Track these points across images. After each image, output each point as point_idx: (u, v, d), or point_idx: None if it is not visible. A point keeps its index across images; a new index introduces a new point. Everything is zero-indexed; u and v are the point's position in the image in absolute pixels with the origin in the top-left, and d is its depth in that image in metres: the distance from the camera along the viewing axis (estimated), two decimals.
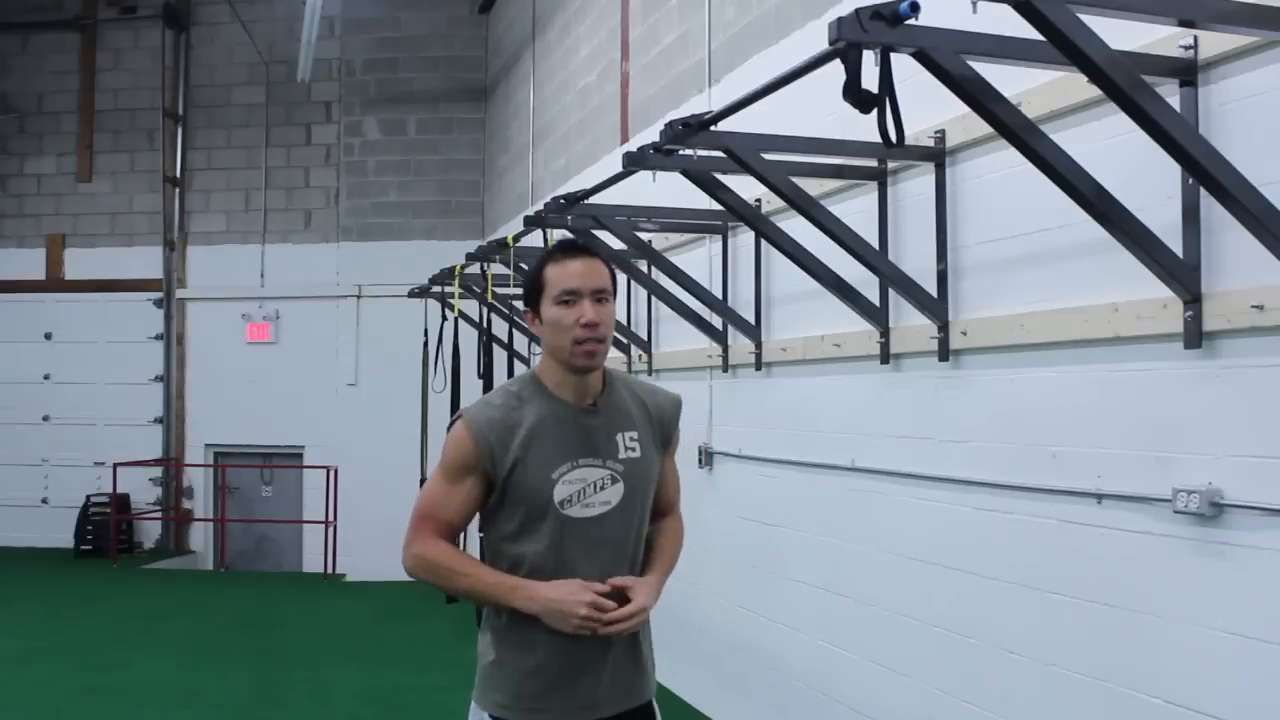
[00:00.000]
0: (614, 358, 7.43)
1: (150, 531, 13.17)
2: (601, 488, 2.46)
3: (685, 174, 4.17)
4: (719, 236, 5.86)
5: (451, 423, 2.50)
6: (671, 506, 2.71)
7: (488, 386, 7.32)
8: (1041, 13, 2.30)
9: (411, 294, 9.28)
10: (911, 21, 2.39)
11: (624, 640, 2.47)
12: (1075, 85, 3.09)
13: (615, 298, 2.51)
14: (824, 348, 4.80)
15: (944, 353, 3.97)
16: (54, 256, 13.47)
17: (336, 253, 12.93)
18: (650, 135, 4.31)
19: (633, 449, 2.51)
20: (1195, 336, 2.91)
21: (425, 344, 9.09)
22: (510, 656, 2.46)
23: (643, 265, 6.35)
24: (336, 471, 12.05)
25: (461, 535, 2.59)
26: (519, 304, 8.72)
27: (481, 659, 2.53)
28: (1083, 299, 3.33)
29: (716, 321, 5.80)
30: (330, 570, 11.72)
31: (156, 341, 13.15)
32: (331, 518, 11.90)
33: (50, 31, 13.57)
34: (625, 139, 7.58)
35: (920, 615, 4.13)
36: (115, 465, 12.26)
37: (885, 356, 4.34)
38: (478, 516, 2.55)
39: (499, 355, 7.72)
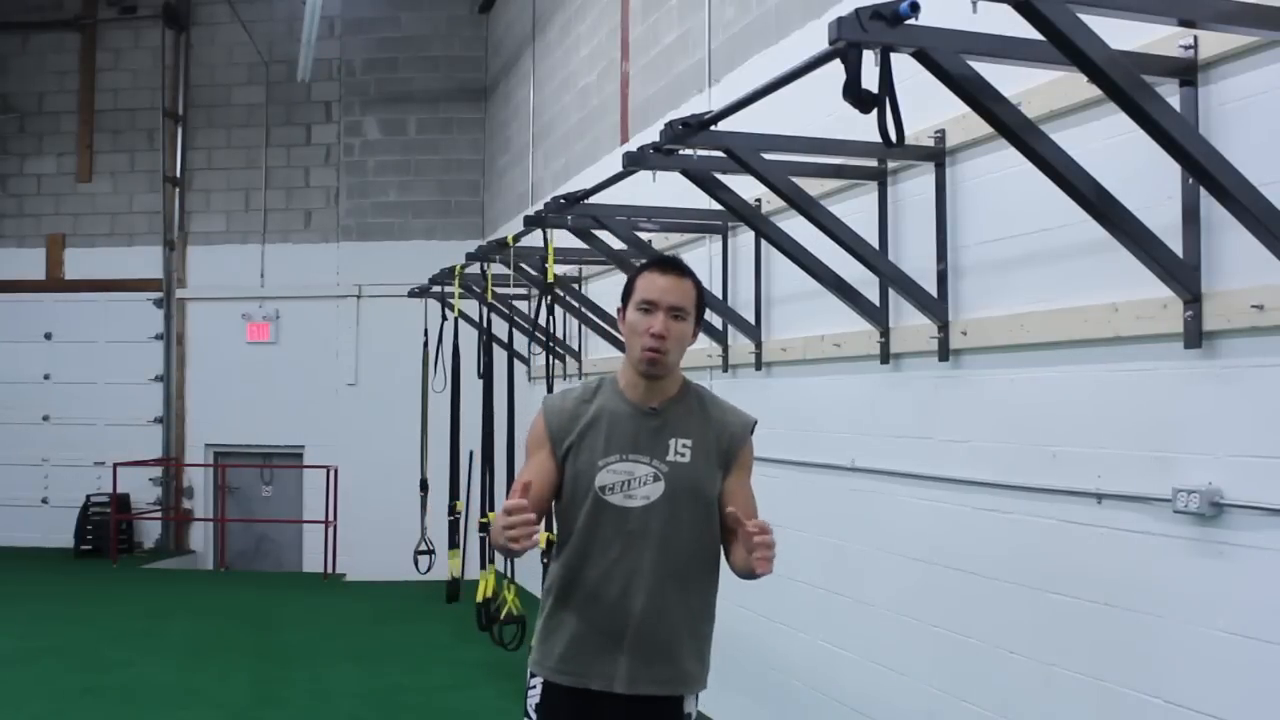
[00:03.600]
0: (616, 357, 7.43)
1: (150, 531, 13.18)
2: (644, 483, 2.67)
3: (685, 174, 4.17)
4: (719, 236, 5.86)
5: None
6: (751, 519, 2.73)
7: (488, 386, 7.32)
8: (1041, 13, 2.31)
9: (411, 294, 9.28)
10: (911, 21, 2.39)
11: (653, 627, 2.66)
12: (1075, 85, 3.09)
13: (698, 319, 2.76)
14: (824, 347, 4.80)
15: (944, 353, 3.97)
16: (54, 256, 13.47)
17: (336, 253, 12.93)
18: (650, 135, 4.31)
19: (682, 455, 2.70)
20: (1195, 336, 2.91)
21: (425, 344, 9.09)
22: (552, 625, 2.75)
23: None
24: (336, 471, 12.05)
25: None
26: (519, 304, 8.76)
27: (538, 622, 2.83)
28: (1083, 299, 3.33)
29: (716, 321, 5.80)
30: (330, 570, 11.72)
31: (156, 341, 13.15)
32: (331, 518, 11.90)
33: (50, 31, 13.57)
34: (625, 139, 7.58)
35: (920, 615, 4.13)
36: (115, 465, 12.26)
37: (885, 356, 4.34)
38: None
39: (499, 355, 7.72)
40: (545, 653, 2.75)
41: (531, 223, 5.52)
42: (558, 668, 2.72)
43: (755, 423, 2.85)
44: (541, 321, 5.66)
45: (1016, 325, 3.60)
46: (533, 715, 2.79)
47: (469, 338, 8.24)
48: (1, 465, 13.01)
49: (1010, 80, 3.05)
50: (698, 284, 2.75)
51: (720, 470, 2.75)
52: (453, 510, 8.34)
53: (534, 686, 2.78)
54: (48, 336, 13.29)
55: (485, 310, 7.62)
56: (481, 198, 12.84)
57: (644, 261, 2.82)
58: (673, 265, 2.75)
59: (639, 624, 2.66)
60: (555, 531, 2.81)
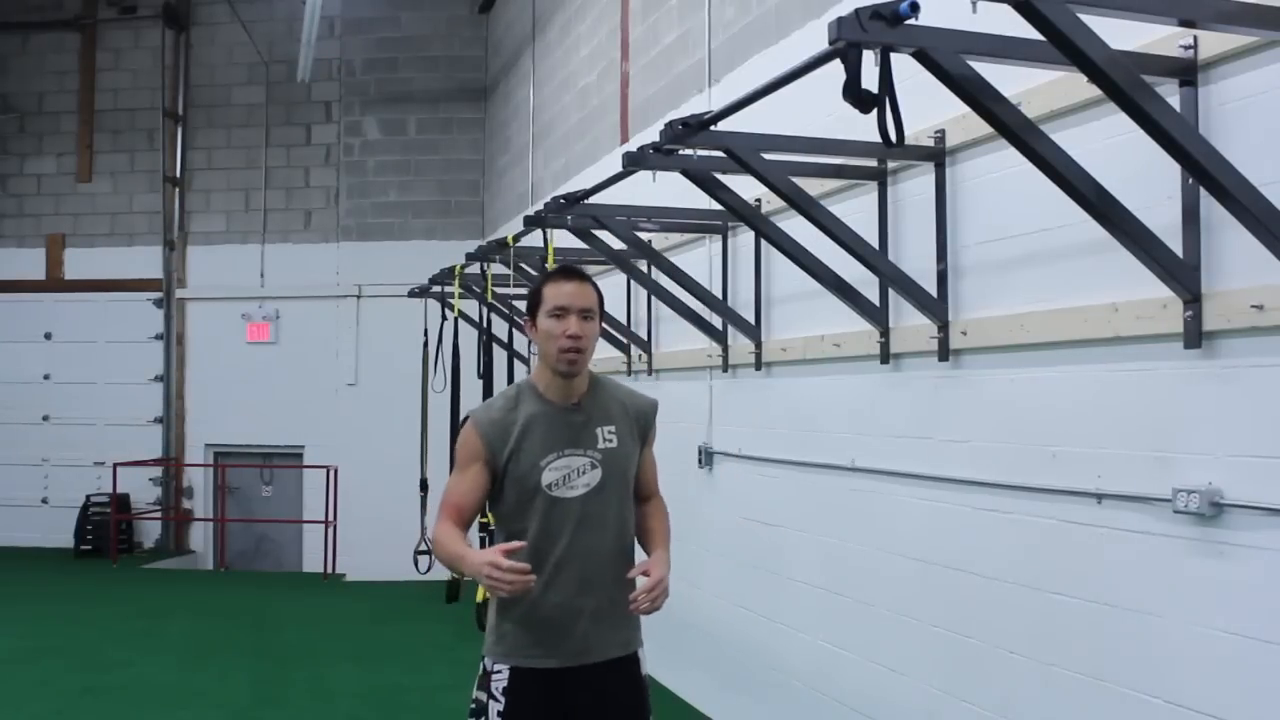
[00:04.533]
0: (615, 357, 7.43)
1: (150, 531, 13.18)
2: (583, 472, 2.93)
3: (685, 174, 4.17)
4: (719, 236, 5.86)
5: (461, 424, 3.01)
6: (654, 490, 3.18)
7: (488, 386, 7.33)
8: (1041, 13, 2.31)
9: (411, 294, 9.28)
10: (911, 21, 2.39)
11: (608, 596, 2.92)
12: (1075, 85, 3.09)
13: (600, 318, 3.01)
14: (824, 347, 4.80)
15: (944, 353, 3.97)
16: (54, 256, 13.47)
17: (336, 253, 12.93)
18: (650, 135, 4.31)
19: (610, 440, 2.98)
20: (1195, 336, 2.91)
21: (425, 344, 9.10)
22: (513, 615, 2.91)
23: (643, 265, 6.35)
24: (336, 471, 12.05)
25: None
26: (519, 304, 8.75)
27: (490, 615, 3.00)
28: (1082, 299, 3.33)
29: (716, 321, 5.80)
30: (330, 570, 11.72)
31: (156, 341, 13.15)
32: (331, 518, 11.90)
33: (50, 31, 13.57)
34: (625, 139, 7.58)
35: (920, 615, 4.13)
36: (115, 465, 12.26)
37: (885, 356, 4.34)
38: (488, 503, 3.03)
39: (499, 355, 7.73)
40: (511, 642, 2.92)
41: (531, 223, 5.52)
42: (528, 653, 2.90)
43: (657, 404, 3.15)
44: None
45: (1016, 325, 3.60)
46: (499, 697, 2.90)
47: (469, 338, 8.25)
48: (1, 465, 13.02)
49: (1010, 80, 3.05)
50: (597, 288, 3.01)
51: (638, 447, 3.05)
52: None
53: (499, 672, 2.92)
54: (48, 336, 13.29)
55: (485, 310, 7.62)
56: (481, 198, 12.84)
57: (544, 274, 3.11)
58: (575, 272, 3.01)
59: (599, 598, 2.92)
60: (492, 532, 3.04)
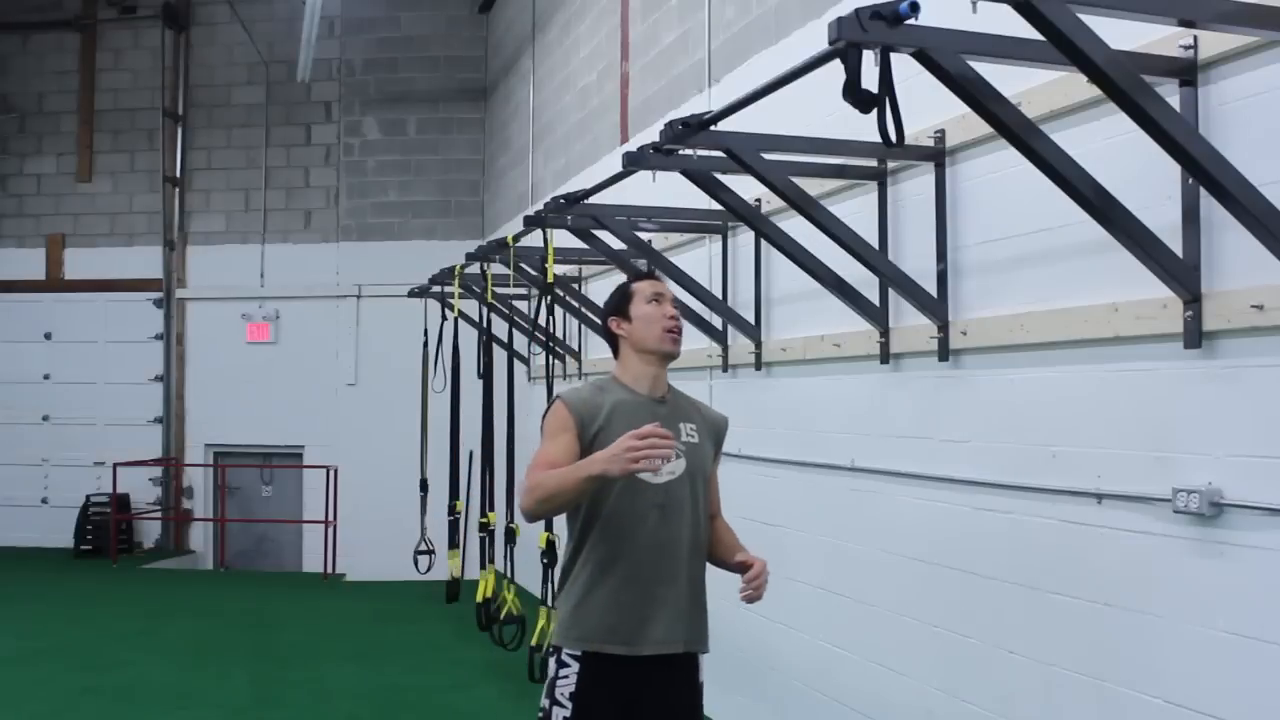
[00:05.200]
0: None
1: (150, 531, 13.18)
2: (668, 460, 2.87)
3: (685, 174, 4.17)
4: (719, 236, 5.85)
5: (548, 407, 3.05)
6: (719, 510, 3.23)
7: (488, 386, 7.32)
8: (1041, 13, 2.31)
9: (411, 294, 9.28)
10: (911, 21, 2.39)
11: (685, 589, 2.97)
12: (1075, 85, 3.09)
13: None
14: (824, 348, 4.80)
15: (944, 353, 3.97)
16: (54, 256, 13.47)
17: (336, 253, 12.93)
18: (650, 135, 4.31)
19: (692, 436, 3.07)
20: (1195, 336, 2.90)
21: (425, 344, 9.09)
22: (593, 599, 2.93)
23: (642, 265, 6.34)
24: (336, 471, 12.05)
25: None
26: (519, 304, 8.75)
27: (566, 604, 2.99)
28: (1083, 299, 3.33)
29: (716, 321, 5.80)
30: (330, 570, 11.72)
31: (156, 341, 13.16)
32: (331, 518, 11.90)
33: (50, 31, 13.57)
34: (625, 139, 7.58)
35: (920, 615, 4.12)
36: (115, 465, 12.26)
37: (885, 356, 4.34)
38: None
39: (499, 355, 7.72)
40: (590, 626, 2.92)
41: (531, 223, 5.51)
42: (606, 638, 2.91)
43: (729, 421, 3.28)
44: (541, 321, 5.66)
45: (1016, 325, 3.60)
46: (564, 702, 2.90)
47: (469, 338, 8.24)
48: (1, 465, 13.03)
49: (1010, 80, 3.05)
50: None
51: (712, 451, 3.15)
52: (453, 510, 8.34)
53: (568, 665, 2.92)
54: (48, 336, 13.29)
55: (485, 310, 7.62)
56: (481, 198, 12.84)
57: (629, 279, 3.25)
58: (654, 275, 3.24)
59: (681, 588, 2.96)
60: (577, 516, 2.98)
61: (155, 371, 13.13)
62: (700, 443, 3.07)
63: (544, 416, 3.03)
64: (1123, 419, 3.19)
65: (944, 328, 3.96)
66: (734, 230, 5.74)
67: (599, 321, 3.25)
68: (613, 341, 3.15)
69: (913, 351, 4.20)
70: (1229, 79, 2.87)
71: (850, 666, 4.59)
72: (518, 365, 8.60)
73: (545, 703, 2.95)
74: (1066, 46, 2.39)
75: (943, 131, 3.96)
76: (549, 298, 5.71)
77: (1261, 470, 2.74)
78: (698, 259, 6.06)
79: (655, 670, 2.94)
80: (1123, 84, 2.48)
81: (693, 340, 6.09)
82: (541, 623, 5.43)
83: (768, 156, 3.81)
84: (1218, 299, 2.85)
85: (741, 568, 2.99)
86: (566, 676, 2.92)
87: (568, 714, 2.90)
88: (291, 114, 13.14)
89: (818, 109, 4.36)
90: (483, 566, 7.18)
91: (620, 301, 3.13)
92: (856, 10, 2.38)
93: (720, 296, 5.74)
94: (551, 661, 2.99)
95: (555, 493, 2.81)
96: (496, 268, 7.13)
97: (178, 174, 13.28)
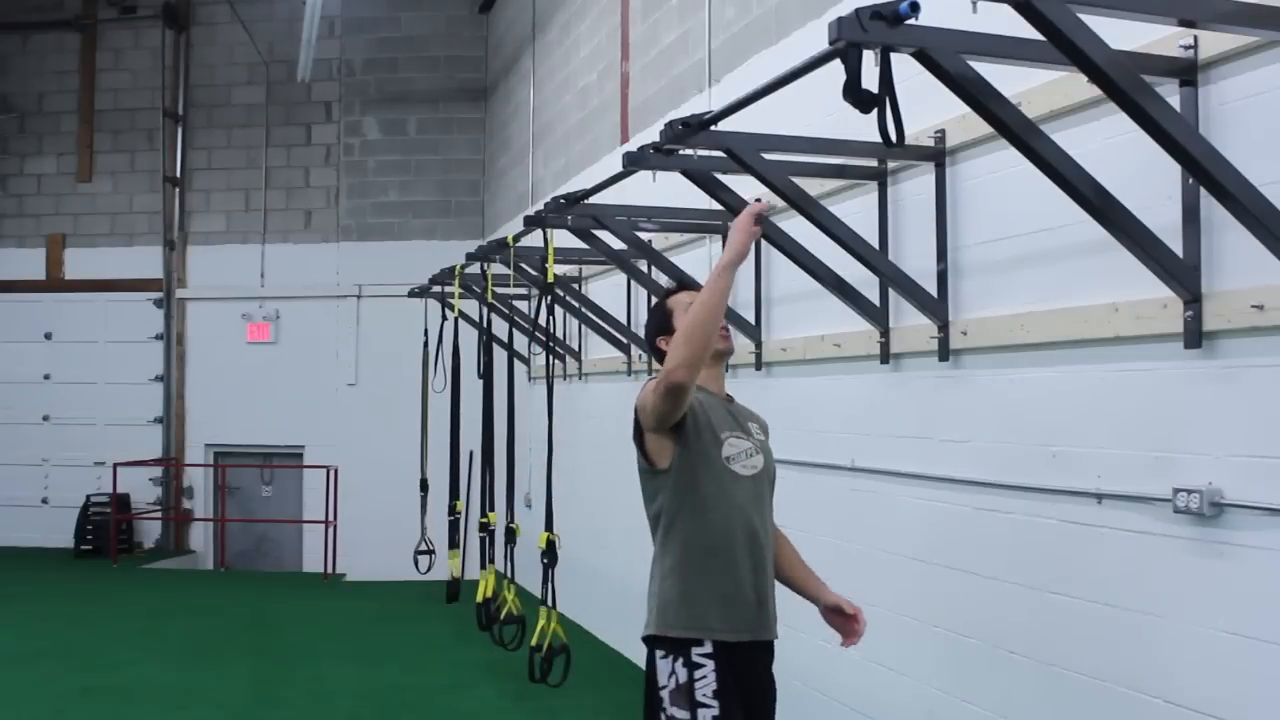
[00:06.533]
0: (615, 358, 7.43)
1: (150, 531, 13.18)
2: (750, 455, 3.06)
3: (685, 174, 4.17)
4: (719, 236, 5.85)
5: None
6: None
7: (488, 387, 7.32)
8: (1041, 13, 2.31)
9: (411, 294, 9.28)
10: (911, 21, 2.39)
11: (770, 578, 3.06)
12: (1075, 85, 3.09)
13: None
14: (824, 348, 4.80)
15: (944, 353, 3.97)
16: (54, 256, 13.47)
17: (336, 252, 12.93)
18: (650, 135, 4.31)
19: (760, 435, 3.18)
20: (1195, 336, 2.91)
21: (425, 344, 9.09)
22: (701, 588, 2.94)
23: (643, 265, 6.35)
24: (336, 471, 12.05)
25: None
26: (519, 304, 8.75)
27: (666, 594, 2.97)
28: (1083, 299, 3.33)
29: None
30: (330, 570, 11.72)
31: (156, 341, 13.15)
32: (331, 518, 11.90)
33: (50, 31, 13.57)
34: (625, 139, 7.58)
35: (920, 615, 4.13)
36: (115, 465, 12.25)
37: (885, 356, 4.34)
38: (665, 475, 3.01)
39: (499, 355, 7.72)
40: (713, 618, 2.92)
41: (531, 223, 5.51)
42: (724, 627, 2.93)
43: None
44: (541, 321, 5.65)
45: (1017, 325, 3.60)
46: (709, 702, 2.84)
47: (469, 338, 8.24)
48: (1, 465, 13.03)
49: (1010, 80, 3.05)
50: None
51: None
52: (453, 510, 8.34)
53: (702, 664, 2.87)
54: (48, 336, 13.29)
55: (485, 310, 7.61)
56: (481, 198, 12.84)
57: (669, 288, 3.27)
58: (687, 285, 3.33)
59: (768, 577, 3.05)
60: (666, 504, 3.00)
61: (155, 371, 13.13)
62: (766, 440, 3.20)
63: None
64: (1123, 419, 3.19)
65: (944, 328, 3.96)
66: None
67: (647, 346, 3.28)
68: (662, 356, 3.10)
69: (913, 351, 4.20)
70: (1229, 79, 2.88)
71: (850, 666, 4.58)
72: (518, 365, 8.60)
73: (683, 712, 2.84)
74: (1066, 46, 2.39)
75: (943, 131, 3.96)
76: (549, 298, 5.71)
77: (1261, 470, 2.74)
78: (698, 259, 6.06)
79: (764, 655, 3.05)
80: (1123, 84, 2.48)
81: None
82: (541, 623, 5.43)
83: (768, 156, 3.81)
84: (1218, 299, 2.85)
85: (834, 610, 3.18)
86: (704, 676, 2.88)
87: (716, 713, 2.84)
88: (291, 114, 13.14)
89: (818, 109, 4.36)
90: (483, 566, 7.18)
91: (663, 320, 3.18)
92: (856, 10, 2.38)
93: None
94: (671, 664, 2.89)
95: (702, 311, 2.81)
96: (497, 268, 7.13)
97: (178, 174, 13.28)
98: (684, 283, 3.26)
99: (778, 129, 4.08)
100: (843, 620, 3.20)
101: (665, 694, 2.90)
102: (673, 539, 3.00)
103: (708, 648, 2.90)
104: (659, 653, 2.95)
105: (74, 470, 12.84)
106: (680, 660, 2.89)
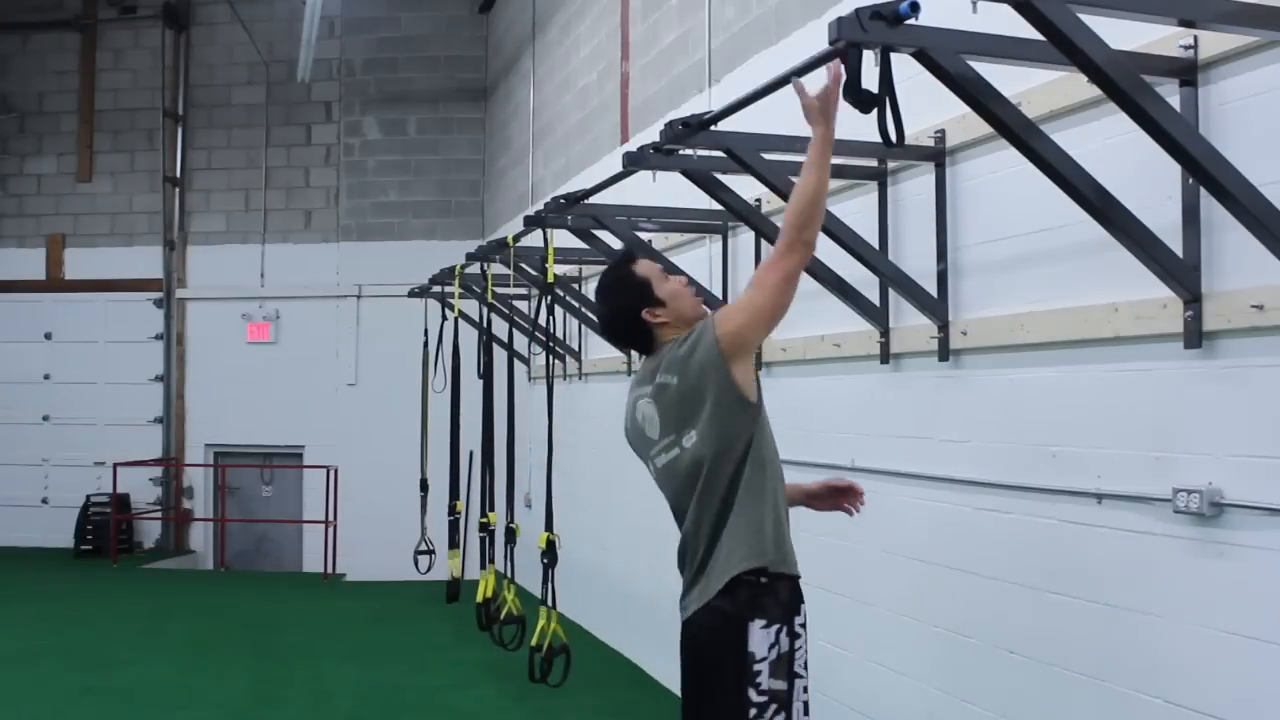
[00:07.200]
0: (615, 357, 7.43)
1: (150, 531, 13.18)
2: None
3: (685, 174, 4.17)
4: (719, 236, 5.85)
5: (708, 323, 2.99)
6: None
7: (488, 387, 7.32)
8: (1041, 13, 2.31)
9: (411, 294, 9.28)
10: (911, 21, 2.39)
11: None
12: (1075, 85, 3.09)
13: None
14: (824, 348, 4.80)
15: (944, 353, 3.97)
16: (54, 256, 13.47)
17: (336, 252, 12.93)
18: (650, 135, 4.31)
19: None
20: (1195, 336, 2.91)
21: (425, 344, 9.09)
22: (782, 530, 2.95)
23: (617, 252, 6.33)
24: (336, 471, 12.05)
25: None
26: (519, 304, 8.75)
27: (766, 529, 2.89)
28: (1083, 299, 3.33)
29: None
30: (330, 570, 11.72)
31: (156, 341, 13.15)
32: (331, 518, 11.90)
33: (50, 31, 13.57)
34: (625, 139, 7.58)
35: (920, 615, 4.13)
36: (115, 465, 12.25)
37: (885, 356, 4.34)
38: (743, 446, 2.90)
39: (499, 355, 7.72)
40: (793, 553, 2.96)
41: (531, 223, 5.51)
42: (795, 565, 2.95)
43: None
44: (541, 321, 5.65)
45: (1016, 325, 3.60)
46: (803, 672, 2.79)
47: (469, 338, 8.23)
48: (1, 465, 13.03)
49: (1010, 80, 3.05)
50: None
51: None
52: (453, 510, 8.33)
53: (800, 635, 2.83)
54: (48, 336, 13.29)
55: (485, 310, 7.61)
56: (481, 198, 12.84)
57: (619, 264, 3.18)
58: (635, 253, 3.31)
59: None
60: (756, 440, 2.90)
61: (155, 371, 13.13)
62: None
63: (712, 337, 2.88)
64: (1123, 419, 3.19)
65: (944, 328, 3.96)
66: (734, 230, 5.74)
67: (623, 325, 3.08)
68: (645, 332, 3.02)
69: (913, 351, 4.20)
70: (1229, 79, 2.88)
71: (850, 666, 4.59)
72: (518, 365, 8.60)
73: (780, 684, 2.71)
74: (1066, 46, 2.39)
75: (943, 131, 3.96)
76: (549, 298, 5.71)
77: (1261, 470, 2.74)
78: (698, 259, 6.06)
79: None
80: (1123, 84, 2.48)
81: None
82: (541, 623, 5.42)
83: (768, 156, 3.81)
84: (1218, 299, 2.85)
85: (826, 495, 3.34)
86: (801, 646, 2.80)
87: (807, 684, 2.78)
88: (291, 114, 13.14)
89: None
90: (483, 566, 7.17)
91: (643, 290, 3.02)
92: (857, 10, 2.38)
93: (720, 296, 5.74)
94: (775, 634, 2.76)
95: (821, 188, 2.79)
96: (497, 268, 7.13)
97: (178, 174, 13.27)
98: (632, 255, 3.20)
99: (778, 129, 4.08)
100: (839, 496, 3.27)
101: (765, 665, 2.72)
102: (759, 477, 2.86)
103: (803, 617, 2.85)
104: (758, 623, 2.74)
105: (74, 470, 12.83)
106: (784, 630, 2.77)
